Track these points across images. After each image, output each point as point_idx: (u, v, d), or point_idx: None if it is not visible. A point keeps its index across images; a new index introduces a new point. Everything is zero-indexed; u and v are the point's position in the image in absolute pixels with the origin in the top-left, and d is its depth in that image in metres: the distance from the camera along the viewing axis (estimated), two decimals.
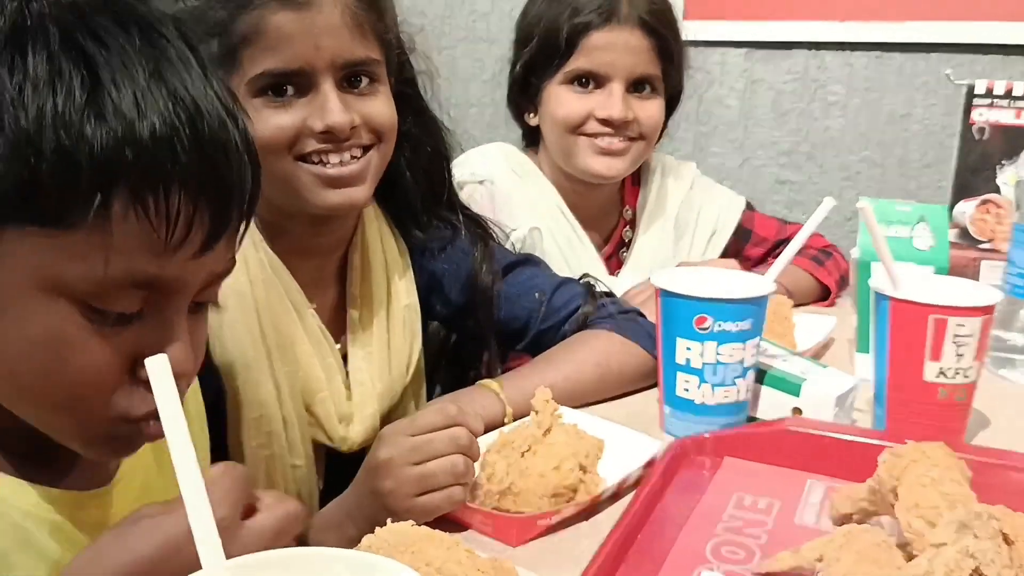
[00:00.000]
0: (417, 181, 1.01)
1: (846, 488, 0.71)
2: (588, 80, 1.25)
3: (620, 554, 0.66)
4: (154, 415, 0.47)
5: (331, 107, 0.83)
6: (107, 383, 0.52)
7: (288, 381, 0.88)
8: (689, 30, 1.35)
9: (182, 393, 0.53)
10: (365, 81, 0.87)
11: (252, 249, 0.89)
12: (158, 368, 0.37)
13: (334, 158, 0.85)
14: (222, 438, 0.87)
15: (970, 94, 1.24)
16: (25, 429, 0.56)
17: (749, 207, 1.46)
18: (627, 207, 1.41)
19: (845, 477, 0.77)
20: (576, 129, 1.26)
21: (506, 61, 1.33)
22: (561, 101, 1.26)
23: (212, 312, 0.84)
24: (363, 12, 0.85)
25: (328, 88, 0.83)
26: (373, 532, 0.56)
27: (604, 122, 1.24)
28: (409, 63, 0.97)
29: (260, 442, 0.87)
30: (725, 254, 1.42)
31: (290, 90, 0.83)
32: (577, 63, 1.24)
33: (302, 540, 0.77)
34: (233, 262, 0.56)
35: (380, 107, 0.88)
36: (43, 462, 0.58)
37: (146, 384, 0.48)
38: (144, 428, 0.52)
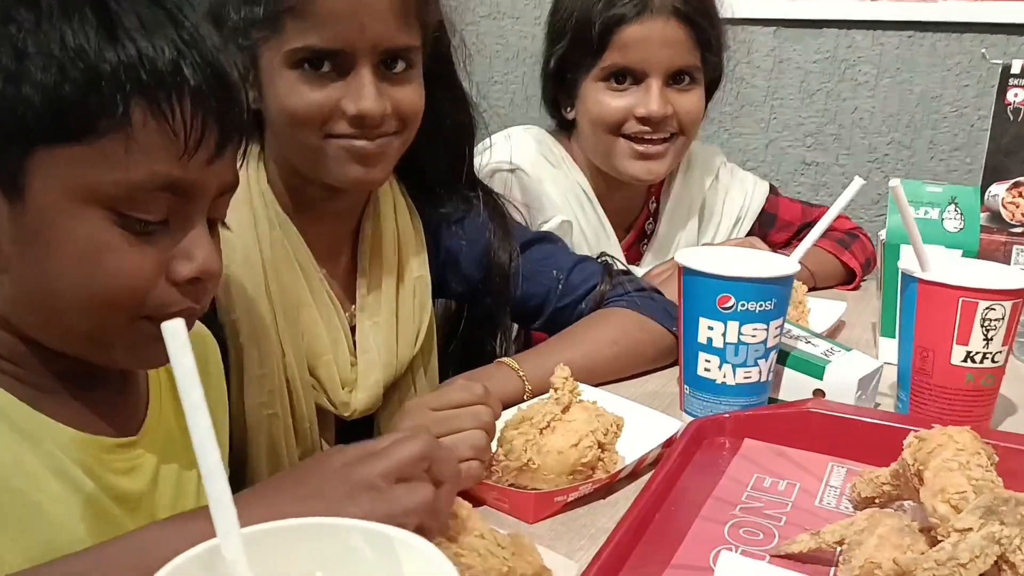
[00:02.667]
0: (437, 155, 1.00)
1: (868, 472, 0.70)
2: (624, 76, 1.21)
3: (638, 533, 0.65)
4: (180, 313, 0.56)
5: (366, 93, 0.83)
6: (142, 285, 0.57)
7: (292, 342, 0.88)
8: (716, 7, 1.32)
9: (212, 292, 0.62)
10: (401, 66, 0.86)
11: (262, 209, 0.89)
12: (174, 332, 0.37)
13: (361, 140, 0.85)
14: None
15: (1005, 74, 1.21)
16: (60, 372, 0.60)
17: (773, 191, 1.44)
18: (652, 199, 1.39)
19: (867, 461, 0.75)
20: (615, 130, 1.23)
21: (531, 38, 1.31)
22: (599, 100, 1.22)
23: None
24: None
25: (365, 73, 0.83)
26: None
27: (643, 120, 1.21)
28: (447, 40, 0.96)
29: (262, 400, 0.87)
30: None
31: (327, 67, 0.83)
32: (612, 59, 1.20)
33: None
34: (238, 177, 0.62)
35: (411, 94, 0.88)
36: (74, 410, 0.61)
37: (178, 285, 0.57)
38: None
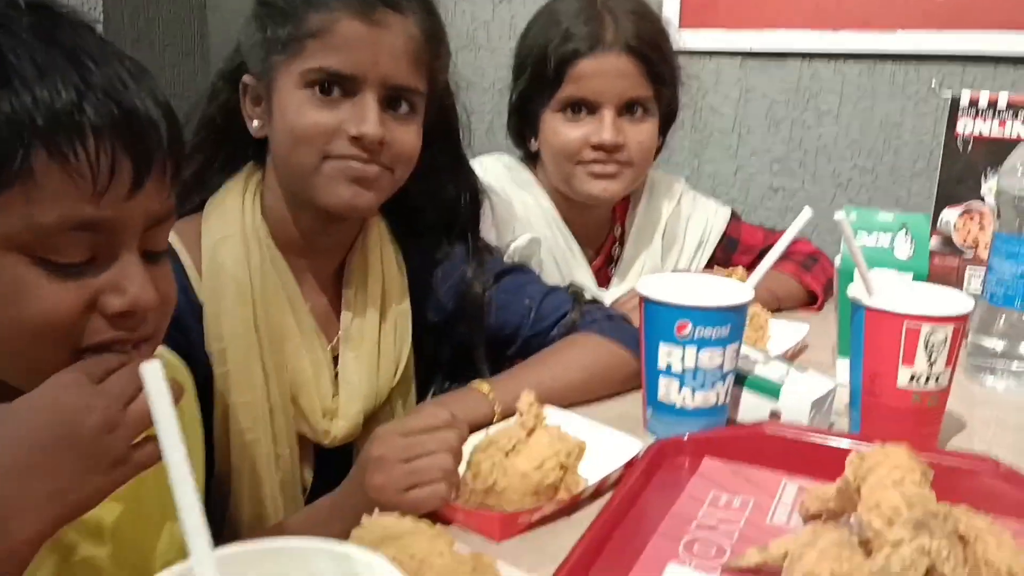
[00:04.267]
0: (436, 214, 1.08)
1: (816, 488, 0.74)
2: (580, 107, 1.28)
3: (596, 550, 0.69)
4: (106, 346, 0.56)
5: (369, 117, 0.89)
6: (65, 320, 0.57)
7: (276, 371, 0.92)
8: (685, 39, 1.38)
9: (157, 325, 0.61)
10: (405, 107, 0.93)
11: (255, 241, 0.93)
12: (151, 374, 0.40)
13: (357, 164, 0.90)
14: (207, 422, 0.90)
15: (955, 106, 1.26)
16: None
17: (735, 217, 1.50)
18: (617, 225, 1.45)
19: (819, 478, 0.79)
20: (572, 157, 1.29)
21: (506, 69, 1.37)
22: (556, 130, 1.29)
23: (210, 302, 0.89)
24: (424, 47, 0.92)
25: (371, 100, 0.89)
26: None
27: (597, 147, 1.27)
28: (453, 107, 1.05)
29: (247, 426, 0.91)
30: (712, 264, 1.45)
31: (336, 92, 0.89)
32: (568, 91, 1.27)
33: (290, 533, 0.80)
34: (172, 206, 0.62)
35: (409, 136, 0.94)
36: None
37: (111, 319, 0.57)
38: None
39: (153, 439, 0.54)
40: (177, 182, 0.62)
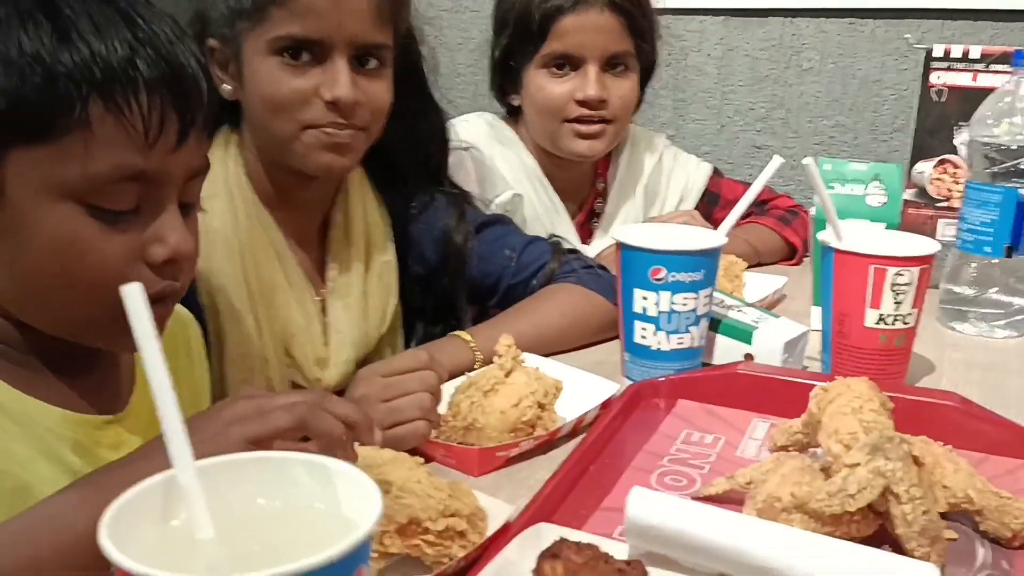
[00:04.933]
0: (409, 154, 1.09)
1: (784, 423, 0.77)
2: (564, 63, 1.29)
3: (573, 481, 0.72)
4: (159, 297, 0.60)
5: (342, 81, 0.90)
6: (118, 270, 0.59)
7: (268, 323, 0.95)
8: None
9: (190, 274, 0.64)
10: (374, 63, 0.94)
11: (240, 199, 0.96)
12: (132, 295, 0.43)
13: (334, 131, 0.92)
14: None
15: (928, 57, 1.28)
16: (48, 352, 0.64)
17: (716, 173, 1.52)
18: (600, 179, 1.47)
19: (788, 416, 0.82)
20: (558, 114, 1.30)
21: (491, 30, 1.38)
22: (541, 87, 1.31)
23: (200, 259, 0.91)
24: (386, 2, 0.93)
25: (341, 63, 0.91)
26: None
27: (582, 103, 1.29)
28: (418, 50, 1.06)
29: (243, 377, 0.94)
30: None
31: (306, 56, 0.90)
32: (551, 47, 1.28)
33: None
34: (207, 161, 0.65)
35: (381, 91, 0.96)
36: (62, 390, 0.65)
37: (155, 267, 0.60)
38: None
39: None
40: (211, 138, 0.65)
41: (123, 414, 0.69)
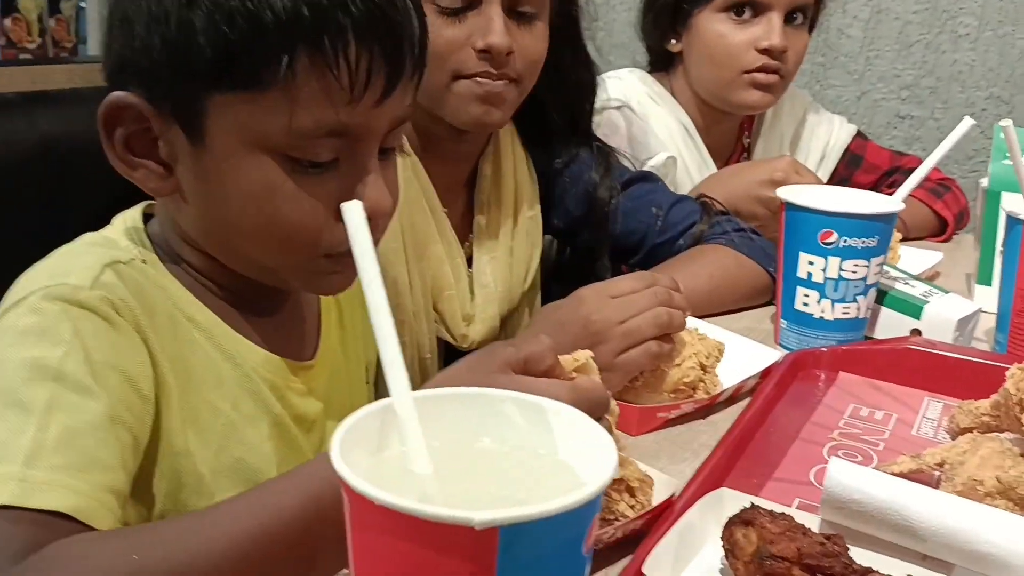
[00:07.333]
0: (558, 108, 1.05)
1: (967, 403, 0.72)
2: (743, 8, 1.23)
3: (739, 449, 0.68)
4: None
5: (495, 28, 0.87)
6: (314, 224, 0.58)
7: (420, 277, 0.93)
8: None
9: (384, 230, 0.61)
10: (529, 12, 0.90)
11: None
12: (352, 212, 0.41)
13: (486, 80, 0.89)
14: None
15: None
16: (245, 292, 0.63)
17: (860, 135, 1.45)
18: (745, 134, 1.41)
19: (962, 397, 0.76)
20: (736, 63, 1.24)
21: None
22: (720, 33, 1.24)
23: None
24: None
25: (495, 10, 0.87)
26: None
27: (764, 52, 1.22)
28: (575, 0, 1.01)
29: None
30: (833, 179, 1.40)
31: (460, 2, 0.87)
32: None
33: None
34: (411, 108, 0.61)
35: (535, 41, 0.92)
36: (260, 331, 0.64)
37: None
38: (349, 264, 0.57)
39: None
40: (420, 82, 0.61)
41: (314, 360, 0.68)
